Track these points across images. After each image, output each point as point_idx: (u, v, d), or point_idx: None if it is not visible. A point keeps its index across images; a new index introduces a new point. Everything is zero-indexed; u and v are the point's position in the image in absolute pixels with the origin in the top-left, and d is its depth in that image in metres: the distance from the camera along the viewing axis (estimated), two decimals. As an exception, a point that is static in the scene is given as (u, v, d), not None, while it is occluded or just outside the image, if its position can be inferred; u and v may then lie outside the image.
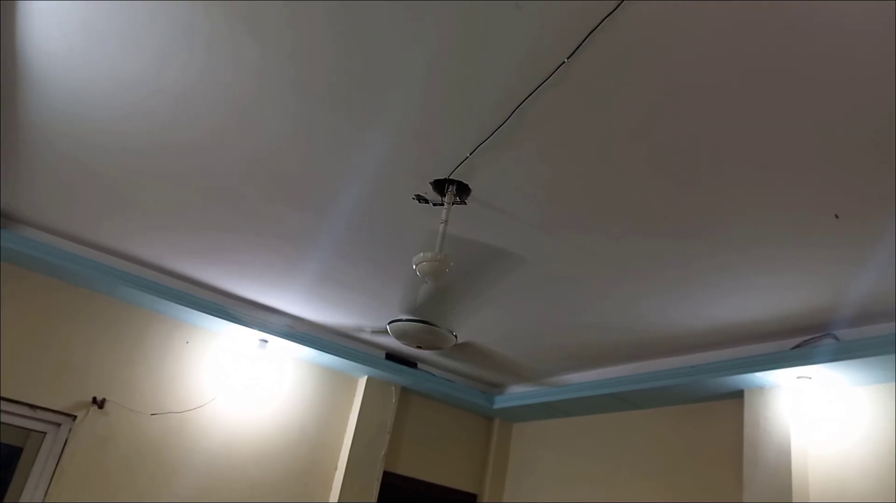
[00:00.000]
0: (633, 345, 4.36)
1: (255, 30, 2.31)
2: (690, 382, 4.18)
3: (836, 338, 3.56)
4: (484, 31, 2.14)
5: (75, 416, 4.49)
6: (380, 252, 3.76)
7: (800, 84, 2.10)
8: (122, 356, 4.72)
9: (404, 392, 5.74)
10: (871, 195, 2.52)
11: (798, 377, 3.73)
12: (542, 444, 5.70)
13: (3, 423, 4.31)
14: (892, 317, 3.35)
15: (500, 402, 5.73)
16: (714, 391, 4.23)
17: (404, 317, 4.55)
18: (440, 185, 3.01)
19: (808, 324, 3.60)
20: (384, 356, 5.45)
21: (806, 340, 3.68)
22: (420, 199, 3.12)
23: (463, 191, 3.01)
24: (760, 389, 3.96)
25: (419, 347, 4.78)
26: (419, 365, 5.61)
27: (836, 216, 2.67)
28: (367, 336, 5.16)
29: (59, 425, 4.46)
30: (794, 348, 3.70)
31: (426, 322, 4.54)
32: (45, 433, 4.42)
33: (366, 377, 5.52)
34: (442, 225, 2.98)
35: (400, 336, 4.60)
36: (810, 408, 3.79)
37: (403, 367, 5.48)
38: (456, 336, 4.72)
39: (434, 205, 3.11)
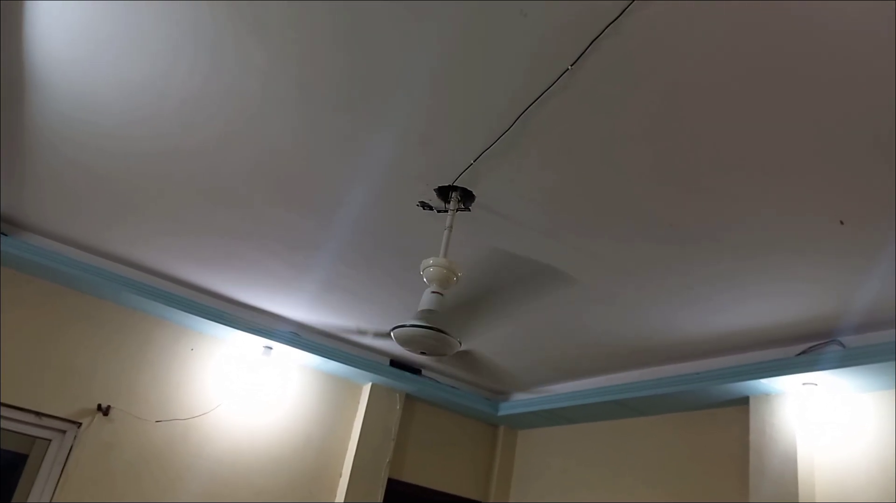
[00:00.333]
0: (638, 352, 4.35)
1: (261, 33, 2.31)
2: (695, 389, 4.16)
3: (841, 344, 3.54)
4: (489, 37, 2.14)
5: (80, 423, 4.49)
6: (386, 259, 3.76)
7: (803, 87, 2.09)
8: (126, 363, 4.73)
9: (409, 399, 5.72)
10: (876, 199, 2.51)
11: (804, 384, 3.71)
12: (547, 451, 5.68)
13: (9, 430, 4.31)
14: (898, 323, 3.33)
15: (505, 409, 5.71)
16: (719, 398, 4.22)
17: (409, 322, 4.53)
18: (444, 192, 3.01)
19: (813, 331, 3.59)
20: (388, 363, 5.44)
21: (811, 347, 3.66)
22: (424, 205, 3.12)
23: (467, 197, 3.01)
24: (766, 396, 3.94)
25: (423, 353, 4.75)
26: (423, 372, 5.60)
27: (842, 222, 2.67)
28: (369, 339, 5.15)
29: (64, 432, 4.46)
30: (799, 355, 3.69)
31: (431, 327, 4.53)
32: (50, 440, 4.42)
33: (370, 384, 5.51)
34: (446, 231, 2.97)
35: (404, 342, 4.58)
36: (816, 414, 3.78)
37: (408, 374, 5.47)
38: (460, 342, 4.70)
39: (438, 211, 3.11)
